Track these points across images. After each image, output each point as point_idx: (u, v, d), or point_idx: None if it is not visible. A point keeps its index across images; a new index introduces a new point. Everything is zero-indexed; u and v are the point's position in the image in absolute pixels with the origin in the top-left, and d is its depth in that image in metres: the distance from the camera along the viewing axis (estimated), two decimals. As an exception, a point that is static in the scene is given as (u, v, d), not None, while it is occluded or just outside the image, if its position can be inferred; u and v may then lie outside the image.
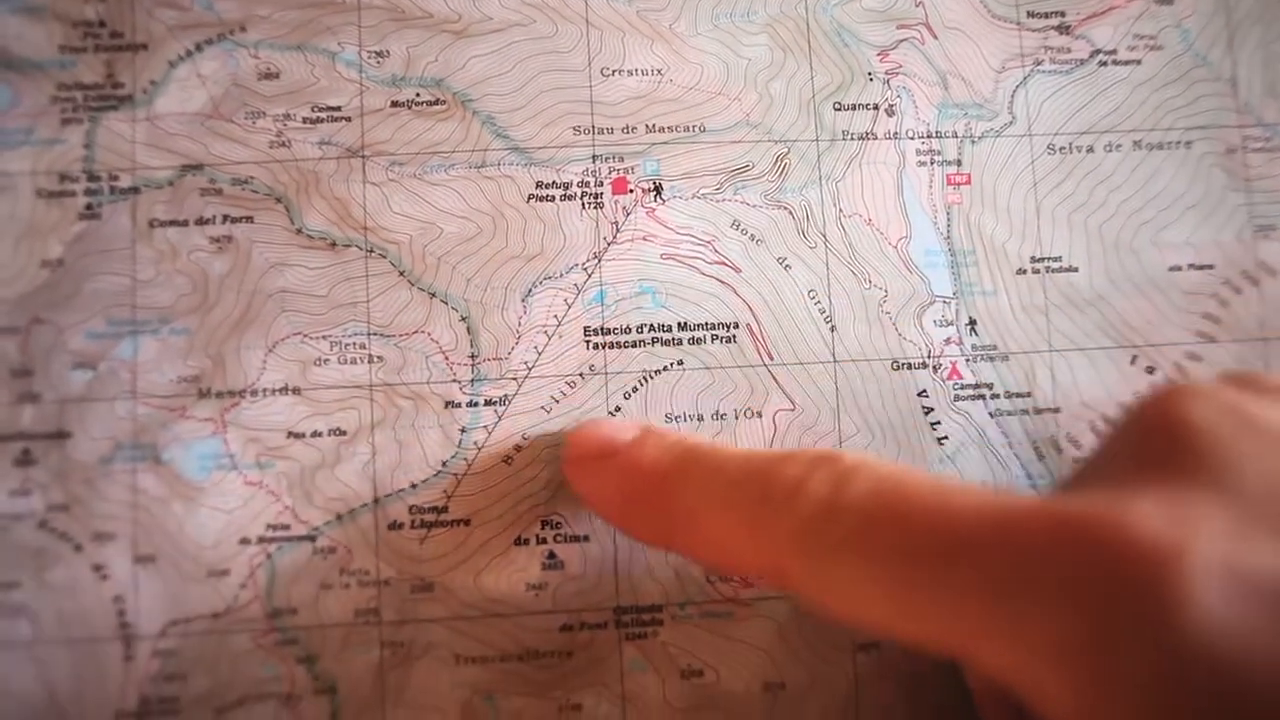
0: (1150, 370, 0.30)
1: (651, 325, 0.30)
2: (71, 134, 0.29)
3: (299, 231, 0.29)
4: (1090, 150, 0.31)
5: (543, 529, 0.29)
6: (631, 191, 0.30)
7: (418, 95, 0.30)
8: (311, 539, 0.28)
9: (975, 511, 0.18)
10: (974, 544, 0.18)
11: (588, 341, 0.30)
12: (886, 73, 0.31)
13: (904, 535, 0.19)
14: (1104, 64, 0.32)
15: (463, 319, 0.29)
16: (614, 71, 0.31)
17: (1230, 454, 0.18)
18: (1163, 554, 0.16)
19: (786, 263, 0.30)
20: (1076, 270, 0.31)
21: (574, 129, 0.30)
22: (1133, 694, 0.16)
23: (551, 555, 0.29)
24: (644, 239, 0.30)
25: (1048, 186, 0.31)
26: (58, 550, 0.28)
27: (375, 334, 0.29)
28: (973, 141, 0.31)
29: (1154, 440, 0.19)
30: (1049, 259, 0.31)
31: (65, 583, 0.28)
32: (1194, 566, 0.16)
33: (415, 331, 0.29)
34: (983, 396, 0.30)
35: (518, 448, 0.29)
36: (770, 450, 0.24)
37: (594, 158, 0.30)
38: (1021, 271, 0.31)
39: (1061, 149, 0.31)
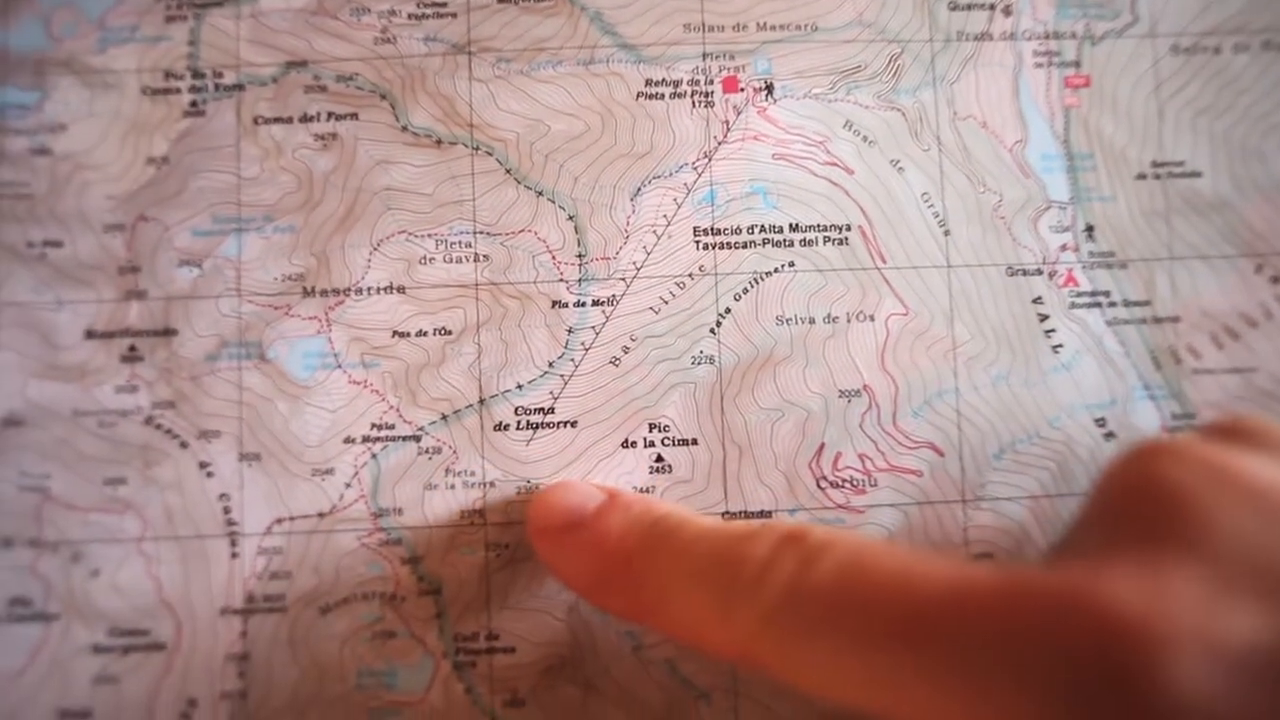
0: (1276, 280, 0.28)
1: (762, 226, 0.28)
2: (176, 31, 0.28)
3: (404, 129, 0.28)
4: (1217, 51, 0.29)
5: (650, 431, 0.27)
6: (742, 90, 0.28)
7: (524, -9, 0.28)
8: (417, 439, 0.27)
9: (938, 586, 0.17)
10: (939, 623, 0.17)
11: (697, 242, 0.28)
12: (1002, -28, 0.29)
13: (868, 614, 0.18)
14: (1230, -38, 0.29)
15: (570, 218, 0.28)
16: (723, -31, 0.29)
17: (1206, 514, 0.17)
18: (1138, 630, 0.15)
19: (899, 165, 0.28)
20: (1200, 175, 0.28)
21: (684, 26, 0.28)
22: None
23: (659, 459, 0.27)
24: (755, 138, 0.28)
25: (1171, 89, 0.29)
26: (164, 447, 0.27)
27: (481, 232, 0.28)
28: (1093, 42, 0.29)
29: (1129, 504, 0.18)
30: (1171, 164, 0.28)
31: (172, 479, 0.27)
32: (1171, 642, 0.15)
33: (522, 230, 0.28)
34: (1099, 304, 0.28)
35: (625, 349, 0.27)
36: (737, 525, 0.22)
37: (704, 56, 0.28)
38: (1142, 177, 0.28)
39: (1186, 50, 0.29)
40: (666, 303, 0.28)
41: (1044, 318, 0.28)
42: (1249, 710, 0.14)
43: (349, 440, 0.27)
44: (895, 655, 0.17)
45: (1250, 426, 0.20)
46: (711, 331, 0.28)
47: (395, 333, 0.27)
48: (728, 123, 0.28)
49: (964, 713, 0.16)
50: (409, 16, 0.28)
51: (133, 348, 0.27)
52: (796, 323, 0.28)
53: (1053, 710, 0.15)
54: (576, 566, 0.24)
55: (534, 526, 0.26)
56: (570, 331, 0.28)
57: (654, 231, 0.28)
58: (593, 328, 0.28)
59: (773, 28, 0.28)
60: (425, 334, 0.27)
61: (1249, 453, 0.18)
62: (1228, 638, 0.15)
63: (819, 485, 0.27)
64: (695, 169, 0.28)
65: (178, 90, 0.28)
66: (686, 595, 0.21)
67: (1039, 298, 0.28)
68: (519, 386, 0.27)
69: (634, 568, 0.23)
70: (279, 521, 0.27)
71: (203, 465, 0.27)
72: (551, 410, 0.27)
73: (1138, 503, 0.18)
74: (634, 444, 0.27)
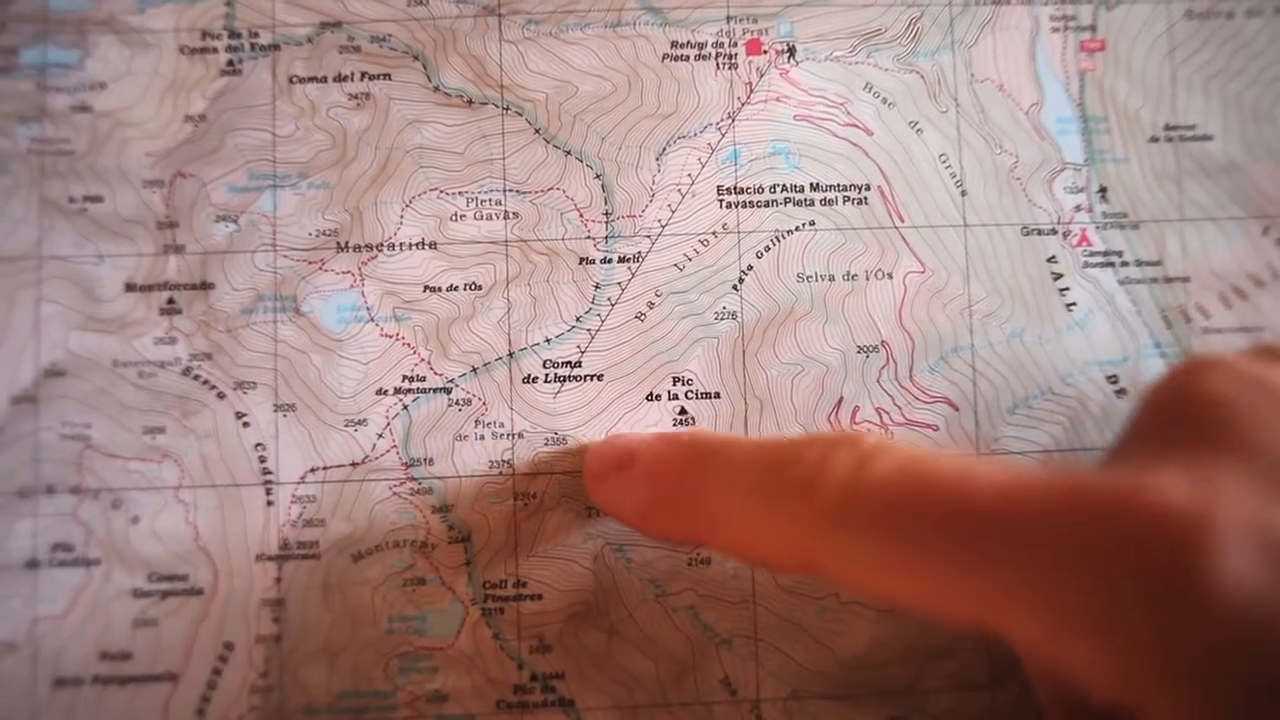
0: (1284, 240, 0.28)
1: (784, 185, 0.27)
2: None
3: (436, 89, 0.27)
4: (1230, 16, 0.28)
5: (674, 385, 0.27)
6: (765, 53, 0.28)
7: (553, -45, 0.27)
8: (447, 391, 0.27)
9: (1000, 486, 0.17)
10: (1000, 517, 0.17)
11: (721, 200, 0.27)
12: (1020, -61, 0.28)
13: (930, 511, 0.17)
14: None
15: (597, 176, 0.27)
16: (747, -65, 0.28)
17: (1250, 422, 0.17)
18: (1188, 520, 0.15)
19: (918, 126, 0.28)
20: (1211, 139, 0.28)
21: None
22: (1164, 658, 0.15)
23: (682, 411, 0.27)
24: (777, 100, 0.27)
25: (1185, 53, 0.28)
26: (202, 397, 0.26)
27: (511, 190, 0.27)
28: (1108, 7, 0.28)
29: (1176, 414, 0.18)
30: (1183, 127, 0.28)
31: (209, 429, 0.26)
32: (1220, 531, 0.15)
33: (550, 188, 0.27)
34: (1112, 264, 0.28)
35: (650, 305, 0.27)
36: (784, 436, 0.22)
37: (728, 19, 0.28)
38: (1155, 139, 0.28)
39: (1200, 14, 0.28)
40: (690, 260, 0.27)
41: (1058, 276, 0.28)
42: None
43: (381, 392, 0.27)
44: (958, 547, 0.17)
45: None
46: (734, 288, 0.27)
47: (427, 287, 0.27)
48: (751, 84, 0.28)
49: (1015, 607, 0.16)
50: (440, -21, 0.28)
51: (171, 300, 0.27)
52: (816, 280, 0.28)
53: (1112, 594, 0.15)
54: (630, 498, 0.24)
55: (589, 474, 0.25)
56: (597, 287, 0.27)
57: (679, 190, 0.28)
58: (619, 284, 0.27)
59: (795, -8, 0.28)
60: (456, 289, 0.27)
61: None
62: (1275, 529, 0.15)
63: (838, 437, 0.27)
64: (719, 130, 0.28)
65: (215, 50, 0.27)
66: (741, 502, 0.21)
67: (1053, 257, 0.28)
68: (547, 340, 0.27)
69: (687, 484, 0.22)
70: (313, 470, 0.27)
71: (239, 415, 0.27)
72: (579, 364, 0.27)
73: (1185, 413, 0.18)
74: (658, 397, 0.27)
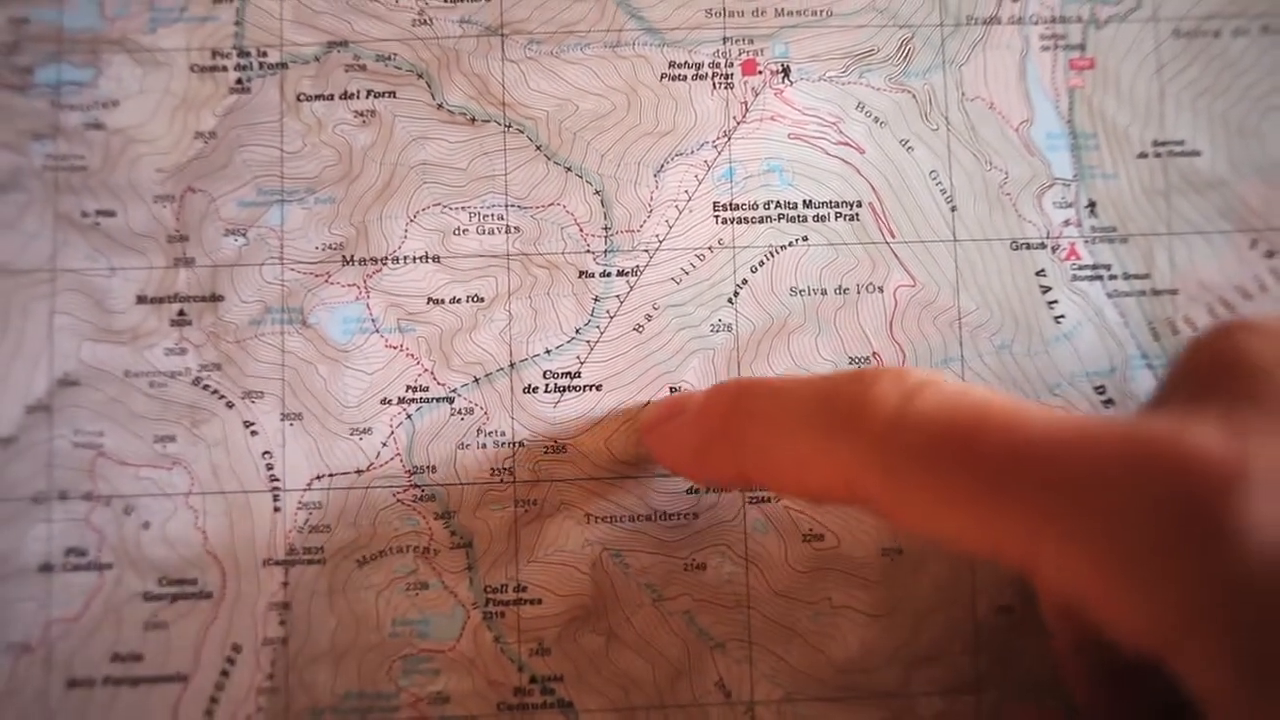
0: (1270, 254, 0.28)
1: (778, 202, 0.28)
2: (223, 11, 0.27)
3: (440, 107, 0.28)
4: (1217, 35, 0.28)
5: (671, 395, 0.27)
6: (761, 73, 0.28)
7: (554, -24, 0.27)
8: (450, 400, 0.27)
9: (1045, 425, 0.17)
10: (1043, 455, 0.17)
11: (717, 216, 0.28)
12: (1011, -42, 0.28)
13: (976, 444, 0.17)
14: (1229, -50, 0.28)
15: (597, 192, 0.28)
16: (743, -44, 0.28)
17: None
18: (1223, 468, 0.15)
19: (909, 144, 0.28)
20: (1199, 155, 0.28)
21: (706, 11, 0.28)
22: (1195, 599, 0.15)
23: None
24: (772, 119, 0.28)
25: (1172, 71, 0.28)
26: (211, 406, 0.27)
27: (513, 205, 0.27)
28: (1097, 26, 0.28)
29: (1212, 372, 0.19)
30: (1171, 143, 0.28)
31: (218, 437, 0.27)
32: (1253, 479, 0.15)
33: (551, 204, 0.28)
34: (1100, 277, 0.28)
35: (648, 317, 0.27)
36: (829, 372, 0.22)
37: (725, 39, 0.28)
38: (1143, 155, 0.28)
39: (1187, 33, 0.28)
40: (687, 274, 0.28)
41: (1046, 289, 0.28)
42: None
43: (385, 401, 0.27)
44: (1001, 481, 0.17)
45: None
46: (729, 301, 0.28)
47: (430, 299, 0.28)
48: (746, 104, 0.28)
49: (1061, 539, 0.16)
50: (445, 0, 0.28)
51: (182, 312, 0.27)
52: (809, 293, 0.28)
53: (1147, 536, 0.15)
54: (680, 443, 0.24)
55: (645, 425, 0.26)
56: (596, 300, 0.28)
57: (676, 206, 0.28)
58: (617, 297, 0.28)
59: (790, 13, 0.28)
60: (459, 301, 0.28)
61: None
62: None
63: (831, 447, 0.27)
64: (715, 147, 0.28)
65: (224, 68, 0.28)
66: (790, 436, 0.21)
67: (1042, 270, 0.28)
68: (547, 351, 0.28)
69: (735, 420, 0.22)
70: (319, 478, 0.27)
71: (247, 424, 0.27)
72: (578, 374, 0.28)
73: (1220, 369, 0.18)
74: (655, 407, 0.28)
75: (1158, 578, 0.15)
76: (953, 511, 0.18)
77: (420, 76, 0.28)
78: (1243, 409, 0.17)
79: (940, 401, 0.18)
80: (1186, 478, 0.15)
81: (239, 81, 0.28)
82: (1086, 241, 0.28)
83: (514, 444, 0.27)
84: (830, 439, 0.20)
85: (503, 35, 0.28)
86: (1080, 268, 0.28)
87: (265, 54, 0.28)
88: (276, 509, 0.27)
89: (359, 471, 0.27)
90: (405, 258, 0.27)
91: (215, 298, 0.27)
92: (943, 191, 0.28)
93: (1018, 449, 0.17)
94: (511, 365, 0.27)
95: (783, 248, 0.28)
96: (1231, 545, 0.15)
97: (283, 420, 0.27)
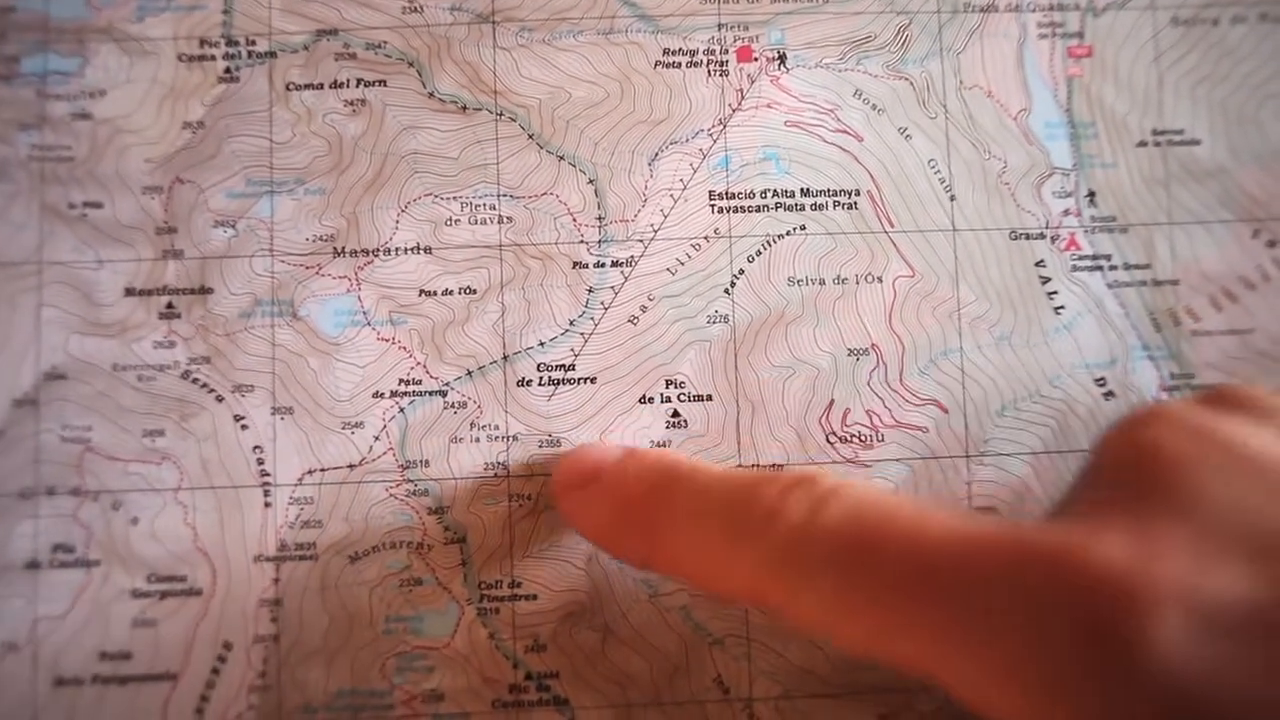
0: (1272, 244, 0.28)
1: (775, 190, 0.27)
2: (210, 0, 0.28)
3: (431, 95, 0.27)
4: (1215, 23, 0.28)
5: (666, 388, 0.27)
6: (756, 60, 0.27)
7: (546, -37, 0.27)
8: (443, 394, 0.27)
9: (946, 537, 0.17)
10: (947, 569, 0.17)
11: (712, 205, 0.27)
12: (1008, -54, 0.28)
13: (877, 559, 0.17)
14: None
15: (590, 181, 0.27)
16: (738, -57, 0.28)
17: (1196, 478, 0.17)
18: (1126, 587, 0.15)
19: (907, 132, 0.28)
20: (1199, 143, 0.28)
21: None
22: None
23: (675, 414, 0.27)
24: (768, 106, 0.27)
25: (1171, 59, 0.28)
26: (200, 400, 0.26)
27: (505, 195, 0.27)
28: (1095, 14, 0.28)
29: (1123, 468, 0.18)
30: (1171, 132, 0.28)
31: (207, 431, 0.26)
32: (1157, 601, 0.15)
33: (544, 193, 0.27)
34: (1100, 268, 0.27)
35: (643, 308, 0.27)
36: (749, 471, 0.22)
37: (720, 26, 0.27)
38: (1142, 144, 0.28)
39: (1186, 21, 0.28)
40: (683, 264, 0.27)
41: (1046, 280, 0.28)
42: (1233, 669, 0.14)
43: (378, 395, 0.27)
44: (900, 595, 0.17)
45: (1239, 393, 0.19)
46: (726, 292, 0.27)
47: (422, 291, 0.27)
48: (742, 91, 0.28)
49: (960, 658, 0.16)
50: (435, -13, 0.28)
51: (170, 305, 0.27)
52: (807, 284, 0.27)
53: (1046, 656, 0.15)
54: (594, 515, 0.24)
55: (557, 486, 0.25)
56: (590, 291, 0.27)
57: (671, 195, 0.28)
58: (612, 288, 0.27)
59: (786, -1, 0.28)
60: (451, 293, 0.27)
61: (1236, 418, 0.18)
62: (1213, 599, 0.15)
63: (828, 440, 0.27)
64: (710, 135, 0.28)
65: (212, 57, 0.27)
66: (699, 534, 0.21)
67: (1041, 261, 0.28)
68: (541, 344, 0.27)
69: (647, 509, 0.22)
70: (310, 472, 0.27)
71: (237, 418, 0.27)
72: (572, 367, 0.27)
73: (1131, 467, 0.18)
74: (651, 400, 0.27)
75: (1061, 697, 0.15)
76: (855, 620, 0.18)
77: (411, 65, 0.27)
78: (1150, 512, 0.16)
79: (845, 511, 0.19)
80: (1091, 595, 0.15)
81: (227, 71, 0.27)
82: (1086, 231, 0.28)
83: (508, 438, 0.27)
84: (738, 544, 0.20)
85: (494, 22, 0.28)
86: (1080, 258, 0.28)
87: (254, 43, 0.27)
88: (267, 504, 0.26)
89: (351, 466, 0.26)
90: (397, 249, 0.27)
91: (204, 290, 0.27)
92: (941, 180, 0.28)
93: (920, 559, 0.17)
94: (505, 358, 0.27)
95: (780, 237, 0.27)
96: (1134, 672, 0.14)
97: (273, 414, 0.27)
